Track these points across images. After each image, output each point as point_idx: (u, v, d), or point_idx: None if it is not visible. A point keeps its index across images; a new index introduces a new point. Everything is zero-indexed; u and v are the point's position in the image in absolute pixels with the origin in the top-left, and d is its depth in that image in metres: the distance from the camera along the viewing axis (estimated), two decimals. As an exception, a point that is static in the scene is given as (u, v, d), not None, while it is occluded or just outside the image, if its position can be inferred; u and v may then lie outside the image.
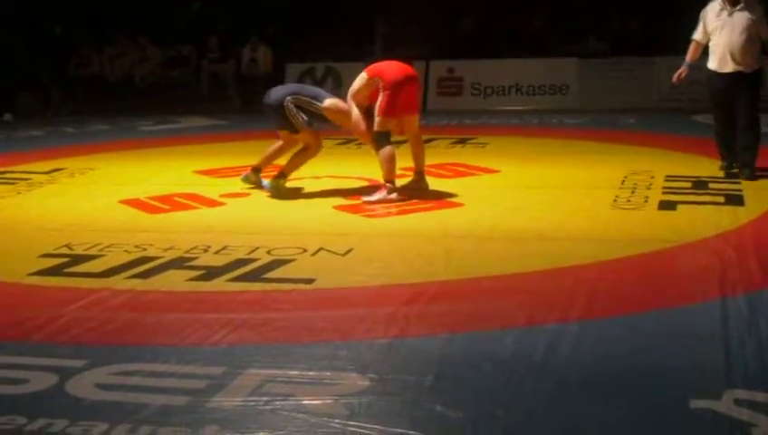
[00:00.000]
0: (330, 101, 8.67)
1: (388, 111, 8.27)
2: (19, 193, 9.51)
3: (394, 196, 8.22)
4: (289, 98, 8.63)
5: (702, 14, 9.06)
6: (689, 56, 9.28)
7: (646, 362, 4.53)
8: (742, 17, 8.81)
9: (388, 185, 8.26)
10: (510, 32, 18.01)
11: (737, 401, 3.99)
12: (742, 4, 8.82)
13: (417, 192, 8.53)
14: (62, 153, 12.08)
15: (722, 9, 8.87)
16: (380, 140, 8.29)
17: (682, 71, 9.34)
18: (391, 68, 8.48)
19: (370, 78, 8.42)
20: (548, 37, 17.85)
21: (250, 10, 18.80)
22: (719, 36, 8.88)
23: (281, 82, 17.16)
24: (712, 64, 9.01)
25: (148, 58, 18.81)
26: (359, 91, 8.50)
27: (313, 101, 8.65)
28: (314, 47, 18.21)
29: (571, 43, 17.57)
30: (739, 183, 8.63)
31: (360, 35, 18.55)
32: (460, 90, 16.92)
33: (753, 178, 8.76)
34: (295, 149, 8.93)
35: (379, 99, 8.28)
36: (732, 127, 9.02)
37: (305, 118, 8.63)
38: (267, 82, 17.48)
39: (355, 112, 8.49)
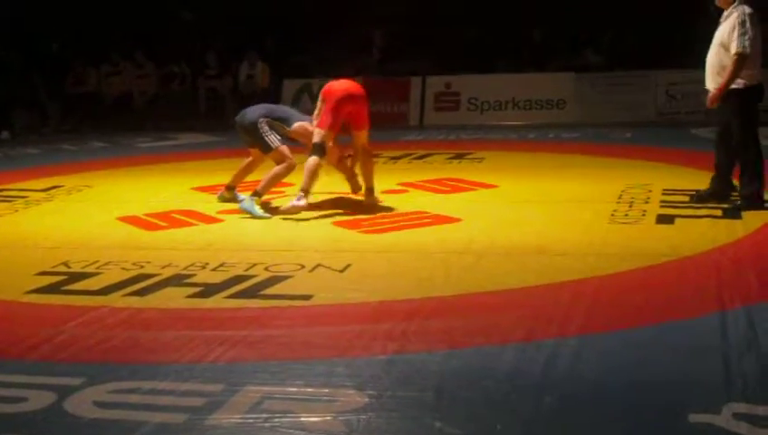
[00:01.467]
0: (297, 125, 8.80)
1: (324, 124, 8.42)
2: (16, 211, 9.51)
3: (303, 203, 8.23)
4: (262, 119, 8.76)
5: None
6: None
7: (645, 376, 4.53)
8: (720, 29, 8.17)
9: (301, 193, 8.27)
10: (507, 45, 18.05)
11: (736, 415, 3.98)
12: (725, 14, 8.13)
13: (370, 207, 8.60)
14: (60, 171, 12.08)
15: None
16: (316, 150, 8.37)
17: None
18: (337, 85, 8.68)
19: (322, 97, 8.63)
20: (545, 51, 17.90)
21: (246, 25, 18.82)
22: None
23: (278, 98, 17.30)
24: None
25: (145, 75, 18.82)
26: (318, 111, 8.67)
27: (283, 125, 8.80)
28: (310, 63, 18.24)
29: (568, 56, 17.62)
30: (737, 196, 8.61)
31: (356, 50, 18.58)
32: (457, 105, 16.95)
33: (747, 208, 8.02)
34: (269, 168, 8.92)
35: (321, 112, 8.49)
36: (722, 147, 8.39)
37: (278, 137, 8.75)
38: (264, 99, 17.59)
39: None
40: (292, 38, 18.71)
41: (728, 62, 8.06)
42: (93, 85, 18.70)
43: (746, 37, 7.96)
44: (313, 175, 8.31)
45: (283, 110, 9.24)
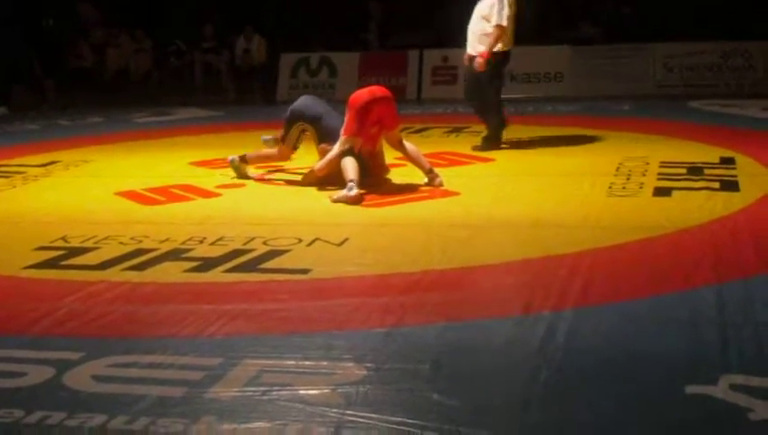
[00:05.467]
0: (321, 147, 8.70)
1: (348, 130, 8.31)
2: (14, 186, 9.50)
3: (354, 192, 7.99)
4: (306, 123, 8.83)
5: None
6: None
7: (642, 348, 4.55)
8: (481, 4, 10.20)
9: (349, 183, 8.10)
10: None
11: (733, 386, 4.00)
12: None
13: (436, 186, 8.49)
14: (57, 146, 12.05)
15: None
16: (344, 155, 8.27)
17: None
18: (361, 92, 8.55)
19: (348, 106, 8.43)
20: (542, 23, 17.83)
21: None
22: None
23: (275, 72, 17.27)
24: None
25: (142, 50, 18.78)
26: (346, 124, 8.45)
27: (318, 137, 8.77)
28: (309, 36, 18.20)
29: (565, 29, 17.56)
30: (734, 169, 8.64)
31: (354, 23, 18.54)
32: (455, 78, 16.86)
33: (486, 148, 10.27)
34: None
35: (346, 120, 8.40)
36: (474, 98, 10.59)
37: (294, 144, 8.96)
38: (261, 73, 17.58)
39: (325, 164, 8.50)
40: (289, 11, 18.66)
41: (489, 31, 10.07)
42: (90, 61, 18.66)
43: (504, 12, 10.02)
44: (350, 165, 8.13)
45: (335, 121, 8.67)
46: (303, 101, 9.05)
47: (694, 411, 3.85)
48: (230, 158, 9.33)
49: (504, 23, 10.06)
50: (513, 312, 5.12)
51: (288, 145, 8.98)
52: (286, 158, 9.18)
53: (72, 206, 8.47)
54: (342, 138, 8.34)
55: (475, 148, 10.34)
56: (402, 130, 9.22)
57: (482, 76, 10.24)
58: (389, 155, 8.88)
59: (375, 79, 15.44)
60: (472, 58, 10.29)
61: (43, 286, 6.00)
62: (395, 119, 8.61)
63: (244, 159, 9.25)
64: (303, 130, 8.87)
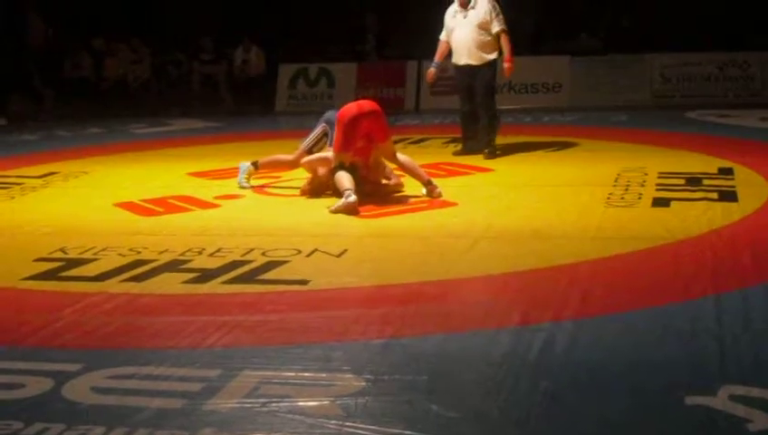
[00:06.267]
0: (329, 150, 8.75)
1: (336, 147, 8.36)
2: (13, 198, 9.50)
3: (352, 199, 7.98)
4: (325, 124, 8.84)
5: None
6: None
7: (641, 359, 4.54)
8: (470, 14, 10.44)
9: (345, 192, 8.07)
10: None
11: (732, 397, 3.99)
12: (471, 3, 10.44)
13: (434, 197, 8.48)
14: (56, 157, 12.04)
15: None
16: (335, 171, 8.31)
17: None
18: (349, 107, 8.54)
19: (336, 121, 8.45)
20: (540, 35, 17.85)
21: (241, 10, 18.79)
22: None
23: (273, 83, 17.28)
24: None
25: (140, 60, 18.78)
26: (334, 140, 8.51)
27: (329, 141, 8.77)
28: (307, 47, 18.22)
29: (563, 39, 17.58)
30: (733, 179, 8.64)
31: (352, 35, 18.56)
32: (453, 89, 16.87)
33: (492, 156, 10.42)
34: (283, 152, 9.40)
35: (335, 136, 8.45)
36: (469, 104, 10.74)
37: (311, 147, 8.89)
38: (260, 83, 17.60)
39: (315, 157, 8.70)
40: (288, 23, 18.69)
41: (488, 39, 10.43)
42: (88, 70, 18.66)
43: (501, 17, 10.39)
44: (344, 177, 8.13)
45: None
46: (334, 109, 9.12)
47: (693, 422, 3.84)
48: (241, 164, 9.34)
49: (505, 26, 10.46)
50: (512, 323, 5.11)
51: (306, 148, 8.92)
52: (295, 164, 9.06)
53: (71, 217, 8.46)
54: (333, 153, 8.39)
55: (486, 156, 10.46)
56: (401, 141, 9.26)
57: (481, 84, 10.54)
58: (388, 165, 8.86)
59: (373, 90, 15.48)
60: (472, 68, 10.56)
61: (41, 298, 5.99)
62: (384, 132, 8.57)
63: (255, 165, 9.24)
64: (326, 133, 8.83)
